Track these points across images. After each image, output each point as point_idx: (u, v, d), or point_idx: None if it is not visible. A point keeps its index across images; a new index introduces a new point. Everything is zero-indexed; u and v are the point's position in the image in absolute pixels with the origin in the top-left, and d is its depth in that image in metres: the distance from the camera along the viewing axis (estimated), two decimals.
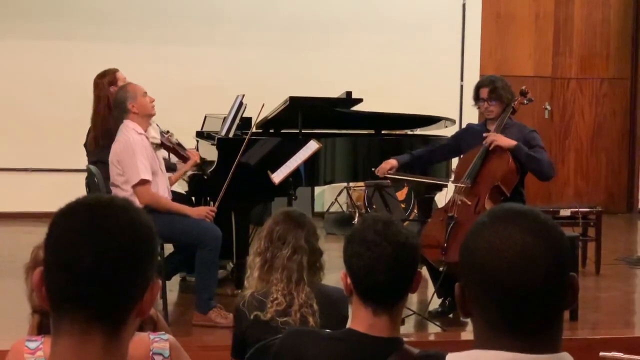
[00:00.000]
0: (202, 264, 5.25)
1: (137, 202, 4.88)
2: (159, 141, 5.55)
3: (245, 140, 5.71)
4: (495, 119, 5.49)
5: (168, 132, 5.87)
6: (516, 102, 5.55)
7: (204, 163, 5.99)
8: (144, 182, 5.18)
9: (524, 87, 5.71)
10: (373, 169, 5.73)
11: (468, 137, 5.68)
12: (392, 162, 5.67)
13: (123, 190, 5.15)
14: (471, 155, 5.50)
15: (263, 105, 5.80)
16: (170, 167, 6.36)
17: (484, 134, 5.43)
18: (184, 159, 5.93)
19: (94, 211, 1.38)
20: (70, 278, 1.34)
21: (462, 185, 5.38)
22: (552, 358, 1.43)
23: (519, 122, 5.70)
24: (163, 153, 5.87)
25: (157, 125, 5.80)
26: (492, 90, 5.46)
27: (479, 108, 5.62)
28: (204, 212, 5.37)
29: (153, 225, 1.42)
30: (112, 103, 5.45)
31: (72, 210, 1.39)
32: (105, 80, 6.07)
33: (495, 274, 1.41)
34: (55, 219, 1.39)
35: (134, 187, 5.16)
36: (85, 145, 6.01)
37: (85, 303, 1.35)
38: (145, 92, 5.41)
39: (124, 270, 1.35)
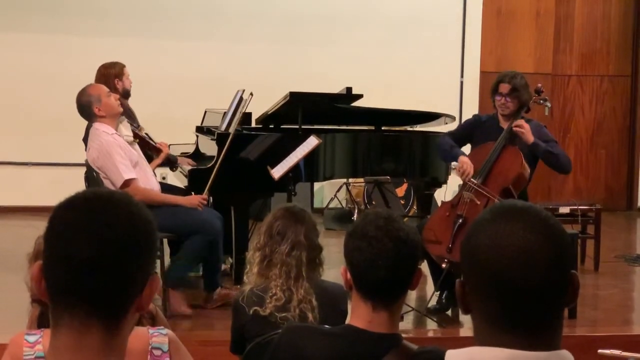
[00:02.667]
0: (206, 249, 5.37)
1: None
2: (131, 138, 5.53)
3: (231, 135, 5.72)
4: (509, 116, 5.46)
5: (138, 125, 5.84)
6: (531, 102, 5.54)
7: (173, 159, 6.14)
8: (128, 183, 5.21)
9: (539, 85, 5.69)
10: (453, 168, 5.34)
11: (480, 129, 5.61)
12: (471, 164, 5.31)
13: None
14: (482, 153, 5.43)
15: (251, 94, 5.82)
16: (171, 161, 6.38)
17: (515, 123, 5.37)
18: (156, 150, 5.95)
19: (94, 204, 1.38)
20: (70, 270, 1.35)
21: (472, 185, 5.31)
22: (552, 355, 1.43)
23: (530, 118, 5.67)
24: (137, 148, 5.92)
25: (128, 122, 5.78)
26: (513, 88, 5.42)
27: (494, 101, 5.56)
28: (196, 200, 5.43)
29: (153, 220, 1.42)
30: (77, 108, 5.40)
31: (71, 204, 1.40)
32: (112, 72, 6.07)
33: (496, 271, 1.41)
34: (54, 212, 1.40)
35: (120, 188, 5.17)
36: (84, 139, 6.00)
37: (84, 296, 1.35)
38: (109, 92, 5.41)
39: (123, 263, 1.35)
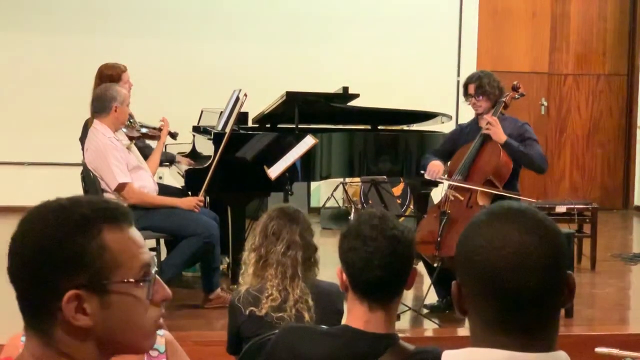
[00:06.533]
0: (202, 250, 5.39)
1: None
2: (128, 142, 5.54)
3: (227, 135, 5.71)
4: (484, 114, 5.52)
5: (131, 121, 5.80)
6: (507, 97, 5.57)
7: (174, 133, 6.13)
8: (123, 186, 5.23)
9: (515, 82, 5.73)
10: (422, 172, 5.61)
11: (462, 136, 5.69)
12: (440, 164, 5.57)
13: (111, 194, 5.20)
14: (463, 151, 5.52)
15: (246, 95, 5.83)
16: (169, 159, 6.38)
17: (486, 116, 5.44)
18: (156, 135, 5.96)
19: (20, 219, 1.43)
20: None
21: (454, 182, 5.37)
22: (548, 357, 1.42)
23: (511, 116, 5.70)
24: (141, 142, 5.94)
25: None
26: (478, 86, 5.50)
27: (468, 104, 5.65)
28: (193, 202, 5.45)
29: (69, 235, 1.38)
30: (96, 95, 5.42)
31: None
32: (109, 73, 6.07)
33: (492, 272, 1.41)
34: None
35: (115, 192, 5.20)
36: (81, 139, 6.00)
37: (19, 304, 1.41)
38: (129, 104, 5.45)
39: (24, 281, 1.38)
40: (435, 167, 5.53)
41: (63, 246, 1.37)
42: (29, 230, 1.39)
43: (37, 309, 1.38)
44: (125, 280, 1.40)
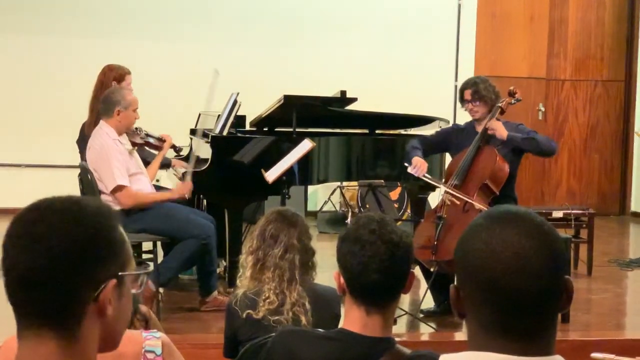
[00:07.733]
0: (199, 252, 5.39)
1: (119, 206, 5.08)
2: (130, 147, 5.56)
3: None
4: (481, 120, 5.55)
5: (136, 128, 5.84)
6: (504, 102, 5.59)
7: (178, 149, 6.18)
8: (121, 188, 5.23)
9: (512, 87, 5.76)
10: (406, 165, 5.51)
11: (457, 137, 5.70)
12: (425, 162, 5.50)
13: (107, 196, 5.20)
14: (460, 156, 5.54)
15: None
16: (165, 164, 6.39)
17: (487, 124, 5.46)
18: (160, 147, 5.98)
19: (31, 217, 1.38)
20: (10, 285, 1.36)
21: (450, 188, 5.38)
22: None
23: (506, 120, 5.73)
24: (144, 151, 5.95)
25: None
26: (474, 92, 5.54)
27: (465, 109, 5.68)
28: (184, 189, 5.47)
29: (102, 227, 1.38)
30: (103, 98, 5.46)
31: (19, 215, 1.40)
32: (113, 74, 6.08)
33: (490, 276, 1.41)
34: (10, 223, 1.39)
35: (112, 193, 5.20)
36: (78, 141, 5.99)
37: (27, 309, 1.36)
38: (137, 109, 5.45)
39: (58, 276, 1.34)
40: (420, 164, 5.45)
41: (100, 235, 1.38)
42: (55, 222, 1.36)
43: (69, 303, 1.35)
44: (134, 273, 1.43)
